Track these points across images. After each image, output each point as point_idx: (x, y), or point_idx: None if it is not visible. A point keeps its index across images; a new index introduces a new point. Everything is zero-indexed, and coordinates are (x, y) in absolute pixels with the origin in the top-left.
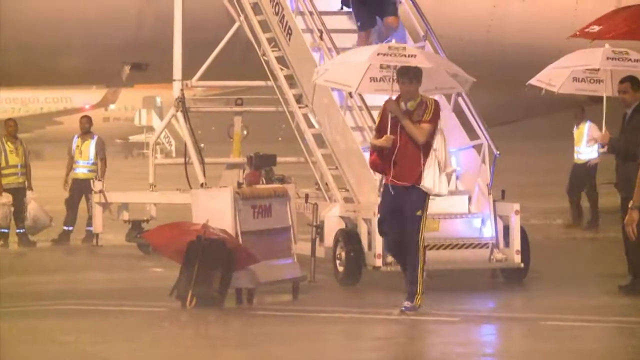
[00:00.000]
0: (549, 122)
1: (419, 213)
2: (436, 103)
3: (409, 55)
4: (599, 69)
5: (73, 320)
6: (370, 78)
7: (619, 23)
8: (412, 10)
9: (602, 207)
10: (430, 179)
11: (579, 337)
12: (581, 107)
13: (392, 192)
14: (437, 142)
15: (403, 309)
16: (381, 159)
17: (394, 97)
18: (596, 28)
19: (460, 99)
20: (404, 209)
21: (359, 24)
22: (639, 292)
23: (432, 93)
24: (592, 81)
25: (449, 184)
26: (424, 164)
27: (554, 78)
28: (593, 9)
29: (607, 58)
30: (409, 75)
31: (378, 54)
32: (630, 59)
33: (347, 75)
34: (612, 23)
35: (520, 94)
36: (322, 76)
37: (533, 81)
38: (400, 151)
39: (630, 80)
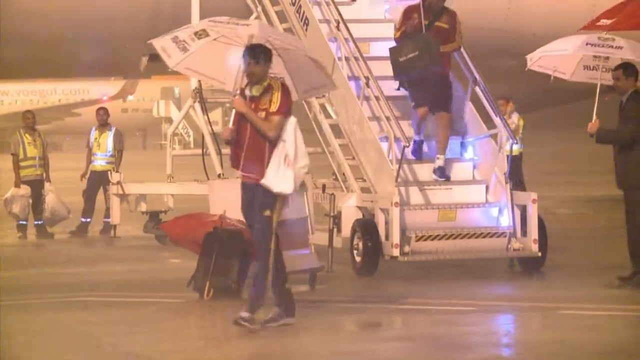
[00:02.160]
0: (565, 110)
1: (267, 214)
2: (284, 88)
3: (242, 24)
4: (603, 57)
5: (90, 312)
6: (247, 56)
7: (630, 14)
8: None
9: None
10: (272, 174)
11: (598, 327)
12: (506, 98)
13: (246, 189)
14: (286, 134)
15: (235, 319)
16: (236, 152)
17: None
18: (607, 21)
19: (477, 88)
20: (256, 210)
21: (413, 103)
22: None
23: (309, 94)
24: (605, 70)
25: (299, 179)
26: (269, 158)
27: (559, 65)
28: None
29: (587, 44)
30: (254, 54)
31: (210, 21)
32: (612, 46)
33: (217, 68)
34: (622, 15)
35: (537, 83)
36: (183, 63)
37: (534, 67)
38: (249, 143)
39: (622, 67)
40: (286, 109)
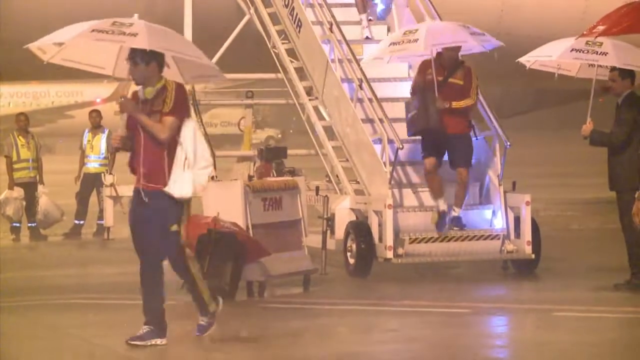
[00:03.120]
0: (559, 112)
1: (174, 228)
2: (178, 88)
3: (128, 34)
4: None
5: (84, 314)
6: (127, 59)
7: (621, 18)
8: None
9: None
10: (173, 180)
11: (591, 328)
12: None
13: (144, 199)
14: (184, 136)
15: (199, 332)
16: (133, 158)
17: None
18: (601, 27)
19: None
20: (154, 221)
21: (423, 153)
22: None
23: (197, 80)
24: (607, 67)
25: (201, 182)
26: (169, 163)
27: (563, 64)
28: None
29: (572, 50)
30: (132, 56)
31: (92, 31)
32: (596, 52)
33: (95, 55)
34: (614, 20)
35: (531, 84)
36: (58, 55)
37: (535, 66)
38: (145, 148)
39: (618, 69)
40: (180, 110)
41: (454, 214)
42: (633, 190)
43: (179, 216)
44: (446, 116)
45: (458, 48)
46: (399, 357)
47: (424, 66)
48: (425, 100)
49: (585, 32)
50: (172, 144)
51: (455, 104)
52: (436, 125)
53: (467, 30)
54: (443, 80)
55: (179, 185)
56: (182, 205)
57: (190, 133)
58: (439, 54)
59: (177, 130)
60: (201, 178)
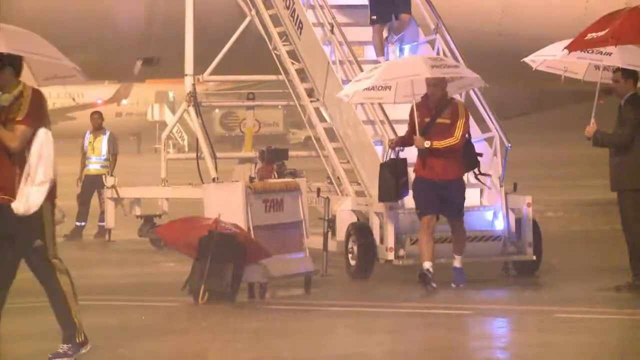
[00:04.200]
0: (560, 113)
1: (38, 244)
2: (35, 94)
3: None
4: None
5: (84, 316)
6: None
7: (629, 27)
8: (423, 2)
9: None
10: (19, 194)
11: (593, 330)
12: None
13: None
14: (34, 145)
15: (50, 356)
16: None
17: None
18: (600, 34)
19: (472, 92)
20: (8, 234)
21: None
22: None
23: (51, 82)
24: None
25: (38, 198)
26: (19, 175)
27: (570, 65)
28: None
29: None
30: None
31: None
32: (601, 52)
33: None
34: (615, 29)
35: (532, 86)
36: None
37: (541, 67)
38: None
39: (621, 69)
40: (34, 118)
41: (455, 264)
42: (635, 191)
43: (40, 229)
44: (434, 161)
45: (442, 85)
46: (399, 358)
47: (412, 111)
48: (382, 174)
49: (572, 43)
50: (21, 153)
51: (436, 144)
52: (390, 200)
53: (431, 62)
54: (431, 121)
55: (20, 201)
56: (38, 218)
57: (37, 145)
58: (426, 94)
59: (29, 140)
60: (35, 196)
